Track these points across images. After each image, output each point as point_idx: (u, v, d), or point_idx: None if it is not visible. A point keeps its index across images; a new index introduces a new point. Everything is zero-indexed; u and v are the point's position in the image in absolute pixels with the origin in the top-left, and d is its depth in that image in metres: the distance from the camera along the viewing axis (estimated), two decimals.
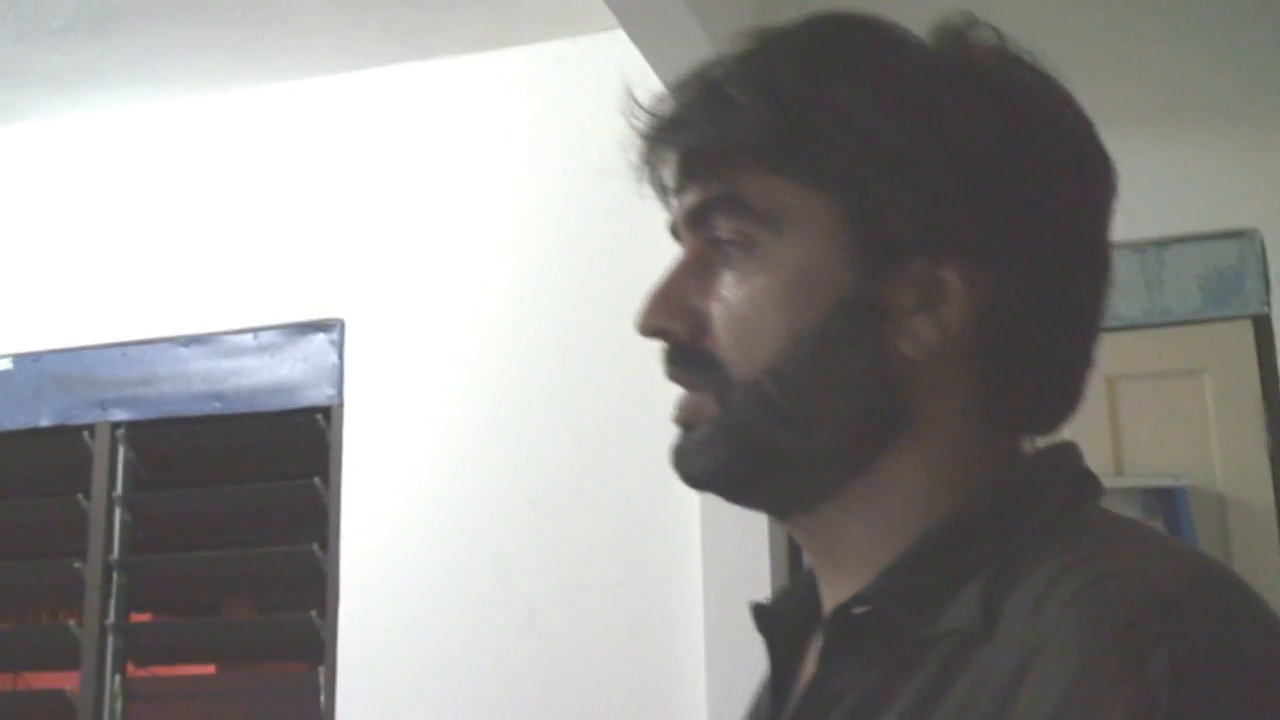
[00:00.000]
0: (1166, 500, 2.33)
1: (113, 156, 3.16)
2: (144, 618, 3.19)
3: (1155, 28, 2.56)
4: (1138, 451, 2.44)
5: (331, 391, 2.88)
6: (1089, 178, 0.71)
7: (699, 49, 2.00)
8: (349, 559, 2.78)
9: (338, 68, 2.98)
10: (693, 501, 2.43)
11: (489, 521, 2.70)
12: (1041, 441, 0.73)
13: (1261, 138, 2.47)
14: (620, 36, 2.31)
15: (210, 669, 3.39)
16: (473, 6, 2.74)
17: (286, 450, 2.95)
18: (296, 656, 3.06)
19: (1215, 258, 2.47)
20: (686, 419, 0.71)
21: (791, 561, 2.51)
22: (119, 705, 2.92)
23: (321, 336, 2.91)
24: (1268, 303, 2.45)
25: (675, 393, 0.72)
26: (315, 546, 2.81)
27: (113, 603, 2.94)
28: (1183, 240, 2.47)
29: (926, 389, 0.68)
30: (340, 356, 2.88)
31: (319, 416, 2.88)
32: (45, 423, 3.07)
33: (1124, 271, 2.40)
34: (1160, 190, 2.43)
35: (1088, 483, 0.70)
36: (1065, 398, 0.72)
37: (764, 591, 2.30)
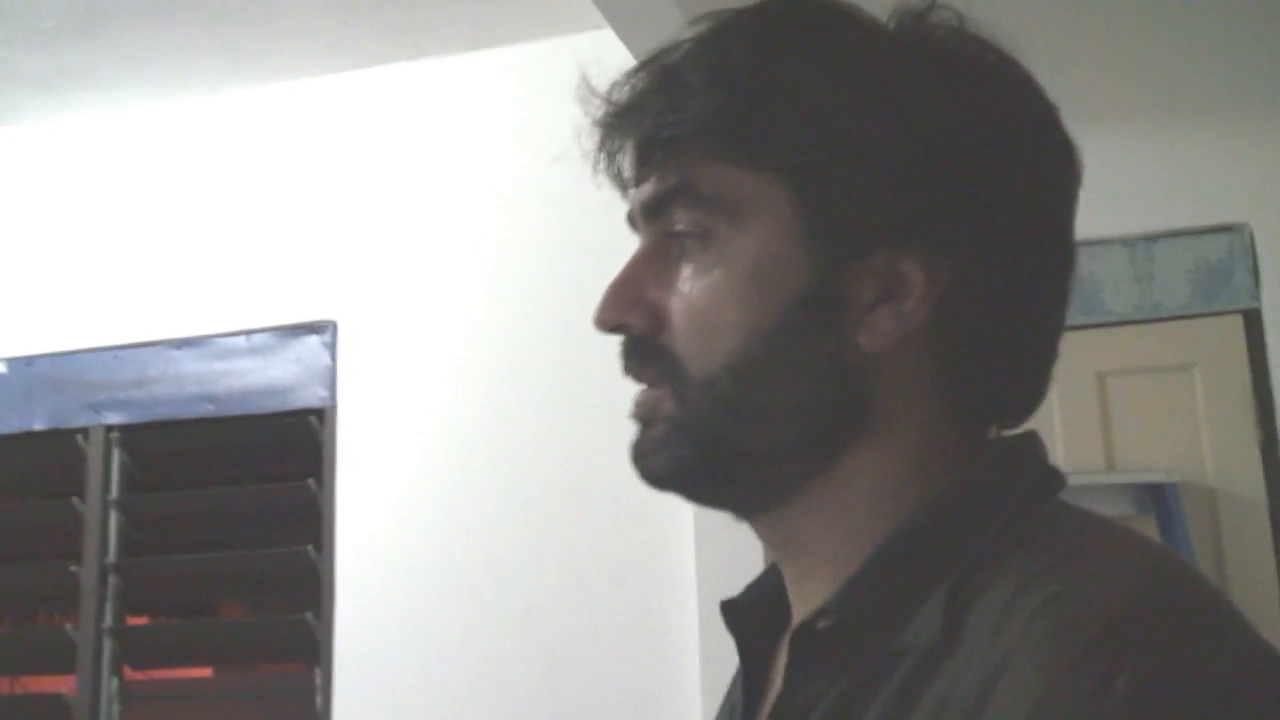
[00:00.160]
0: (1158, 495, 2.33)
1: (103, 159, 3.15)
2: (140, 620, 3.20)
3: (1145, 23, 2.55)
4: (1128, 446, 2.44)
5: (324, 393, 2.88)
6: (1052, 164, 0.69)
7: None
8: (344, 560, 2.78)
9: (328, 68, 2.98)
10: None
11: (483, 521, 2.70)
12: (1007, 433, 0.72)
13: (1251, 132, 2.47)
14: (609, 35, 2.31)
15: (207, 671, 3.39)
16: (461, 6, 2.73)
17: (280, 452, 2.95)
18: (292, 657, 3.06)
19: (1205, 252, 2.46)
20: (644, 415, 0.70)
21: None
22: (116, 708, 2.93)
23: (314, 338, 2.91)
24: (1257, 297, 2.45)
25: (633, 389, 0.71)
26: (310, 548, 2.81)
27: (109, 605, 2.95)
28: (1172, 235, 2.46)
29: (887, 383, 0.67)
30: (333, 358, 2.88)
31: (312, 418, 2.88)
32: (39, 426, 3.07)
33: (1114, 266, 2.40)
34: (1150, 185, 2.42)
35: (1049, 477, 0.69)
36: (1030, 391, 0.71)
37: None
